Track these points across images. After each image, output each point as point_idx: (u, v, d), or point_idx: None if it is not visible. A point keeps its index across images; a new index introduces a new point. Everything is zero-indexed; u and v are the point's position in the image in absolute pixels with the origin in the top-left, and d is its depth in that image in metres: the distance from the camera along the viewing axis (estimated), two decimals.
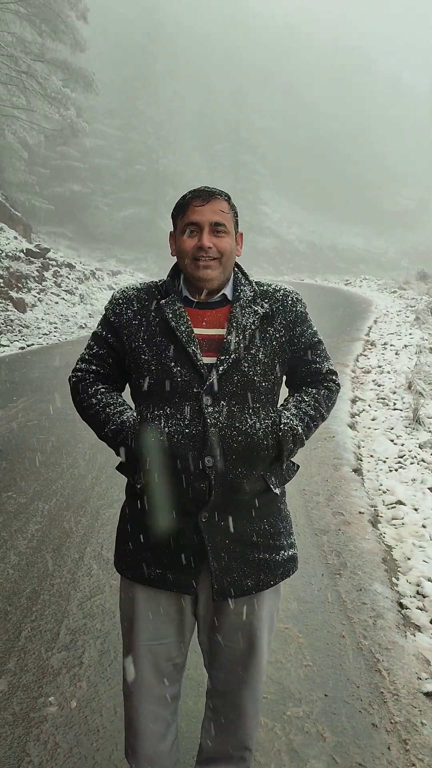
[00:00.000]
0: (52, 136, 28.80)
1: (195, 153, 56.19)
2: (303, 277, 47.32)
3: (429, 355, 10.34)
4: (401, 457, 5.65)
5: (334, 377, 1.86)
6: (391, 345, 12.00)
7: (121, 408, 1.72)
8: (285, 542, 1.78)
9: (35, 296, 16.46)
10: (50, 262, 19.45)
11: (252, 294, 1.72)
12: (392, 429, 6.55)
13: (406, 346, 11.75)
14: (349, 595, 3.30)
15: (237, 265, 1.78)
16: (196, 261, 1.63)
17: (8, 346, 12.05)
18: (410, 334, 13.24)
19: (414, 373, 8.52)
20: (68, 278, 19.66)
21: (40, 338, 13.41)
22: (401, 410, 7.23)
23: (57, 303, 17.24)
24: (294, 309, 1.74)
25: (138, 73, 50.67)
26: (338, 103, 73.05)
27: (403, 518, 4.35)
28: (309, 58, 74.32)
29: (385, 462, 5.59)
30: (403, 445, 6.00)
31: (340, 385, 1.88)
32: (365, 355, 11.18)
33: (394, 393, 8.10)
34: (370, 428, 6.68)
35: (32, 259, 18.37)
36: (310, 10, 78.83)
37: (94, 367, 1.78)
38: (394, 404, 7.56)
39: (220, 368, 1.60)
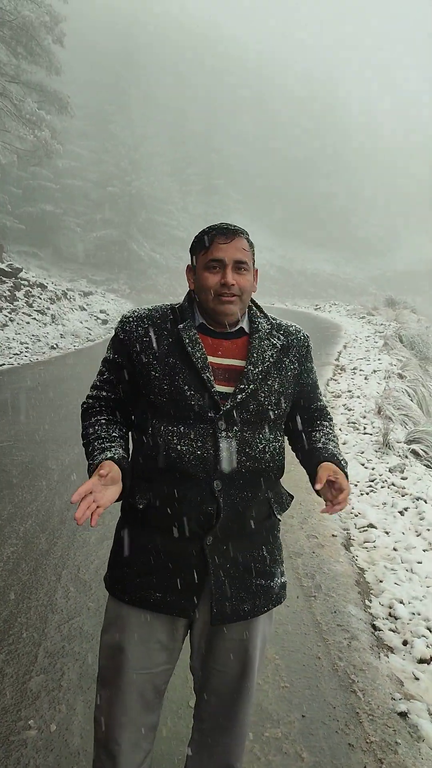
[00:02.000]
0: (26, 156, 28.84)
1: (167, 177, 56.67)
2: (273, 301, 47.76)
3: (397, 381, 10.56)
4: (372, 481, 5.76)
5: (330, 413, 1.99)
6: (360, 370, 12.22)
7: (109, 444, 1.68)
8: (279, 570, 1.83)
9: (6, 316, 16.36)
10: (22, 282, 19.37)
11: (269, 327, 1.79)
12: (363, 453, 6.67)
13: (375, 371, 11.97)
14: (324, 617, 3.36)
15: (252, 300, 1.83)
16: (218, 297, 1.66)
17: None
18: (379, 359, 13.49)
19: (383, 398, 8.70)
20: (40, 298, 19.57)
21: (11, 358, 13.31)
22: (371, 434, 7.37)
23: (28, 323, 17.15)
24: (306, 344, 1.84)
25: (112, 97, 51.21)
26: (309, 130, 74.57)
27: (374, 541, 4.44)
28: (281, 87, 75.91)
29: (356, 486, 5.69)
30: (373, 469, 6.12)
31: None
32: (335, 380, 11.36)
33: (364, 417, 8.25)
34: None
35: (4, 278, 18.29)
36: (283, 39, 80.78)
37: (104, 394, 1.78)
38: (365, 428, 7.70)
39: (239, 397, 1.65)
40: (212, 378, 1.66)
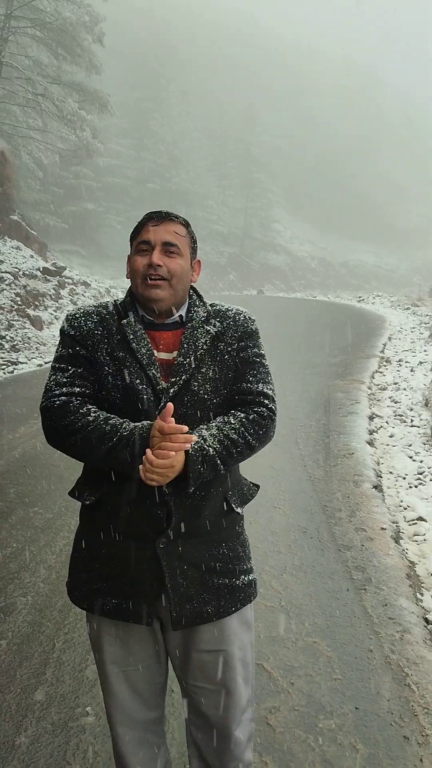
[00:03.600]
0: (68, 156, 29.27)
1: (207, 172, 56.70)
2: (315, 293, 47.45)
3: None
4: (420, 474, 5.69)
5: (266, 401, 1.69)
6: (406, 362, 12.05)
7: (124, 420, 1.58)
8: (244, 567, 1.74)
9: (52, 314, 16.66)
10: (66, 280, 19.68)
11: (205, 315, 1.71)
12: (410, 446, 6.59)
13: (421, 362, 11.79)
14: (375, 610, 3.34)
15: (193, 289, 1.77)
16: (146, 279, 1.62)
17: (26, 363, 12.20)
18: (425, 350, 13.28)
19: (430, 390, 8.56)
20: (84, 296, 19.86)
21: None
22: (419, 427, 7.27)
23: None
24: (245, 325, 1.73)
25: (151, 94, 51.45)
26: (348, 121, 73.72)
27: (424, 534, 4.39)
28: (319, 77, 75.19)
29: (404, 479, 5.62)
30: (422, 461, 6.03)
31: (275, 414, 1.71)
32: (381, 372, 11.22)
33: (411, 410, 8.13)
34: (388, 445, 6.71)
35: (48, 277, 18.60)
36: (320, 29, 79.92)
37: (77, 389, 1.63)
38: (412, 421, 7.60)
39: (171, 391, 1.60)
40: (158, 375, 1.61)
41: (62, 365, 1.65)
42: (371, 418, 7.82)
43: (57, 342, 1.73)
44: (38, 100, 23.33)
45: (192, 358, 1.63)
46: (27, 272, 17.42)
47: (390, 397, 9.05)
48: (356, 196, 71.38)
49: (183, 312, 1.71)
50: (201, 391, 1.62)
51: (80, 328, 1.66)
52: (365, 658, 2.91)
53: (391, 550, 4.10)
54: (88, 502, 1.66)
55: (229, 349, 1.68)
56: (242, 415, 1.65)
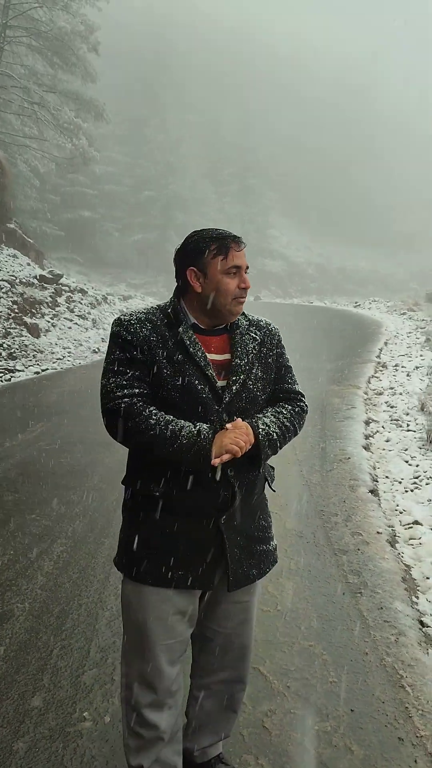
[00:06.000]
0: (64, 164, 29.37)
1: (203, 178, 56.91)
2: (312, 299, 47.54)
3: None
4: (416, 478, 5.72)
5: (303, 398, 2.07)
6: (402, 366, 12.09)
7: (184, 421, 1.76)
8: (272, 533, 2.07)
9: (49, 321, 16.68)
10: (63, 288, 19.72)
11: (247, 323, 1.99)
12: (406, 450, 6.62)
13: (417, 367, 11.83)
14: (371, 613, 3.36)
15: None
16: (237, 299, 1.86)
17: (23, 371, 12.21)
18: (421, 355, 13.33)
19: (426, 395, 8.60)
20: (81, 303, 19.90)
21: (54, 363, 13.57)
22: (415, 431, 7.30)
23: (70, 328, 17.45)
24: (277, 334, 2.06)
25: (147, 101, 51.73)
26: (345, 126, 74.02)
27: (420, 538, 4.41)
28: (315, 85, 75.45)
29: (400, 483, 5.65)
30: (417, 466, 6.06)
31: (308, 409, 2.08)
32: (377, 377, 11.26)
33: (407, 414, 8.17)
34: (384, 449, 6.74)
35: (45, 285, 18.63)
36: (316, 35, 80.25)
37: (137, 390, 1.78)
38: (408, 425, 7.63)
39: (233, 388, 1.84)
40: (215, 374, 1.83)
41: (120, 368, 1.81)
42: (367, 422, 7.86)
43: (108, 344, 1.89)
44: (34, 108, 23.45)
45: (246, 360, 1.89)
46: (24, 280, 17.45)
47: (386, 402, 9.08)
48: (353, 201, 71.63)
49: None
50: (255, 389, 1.90)
51: (136, 334, 1.82)
52: (360, 660, 2.93)
53: (387, 553, 4.12)
54: (157, 494, 1.81)
55: (271, 354, 2.00)
56: (290, 407, 2.00)
